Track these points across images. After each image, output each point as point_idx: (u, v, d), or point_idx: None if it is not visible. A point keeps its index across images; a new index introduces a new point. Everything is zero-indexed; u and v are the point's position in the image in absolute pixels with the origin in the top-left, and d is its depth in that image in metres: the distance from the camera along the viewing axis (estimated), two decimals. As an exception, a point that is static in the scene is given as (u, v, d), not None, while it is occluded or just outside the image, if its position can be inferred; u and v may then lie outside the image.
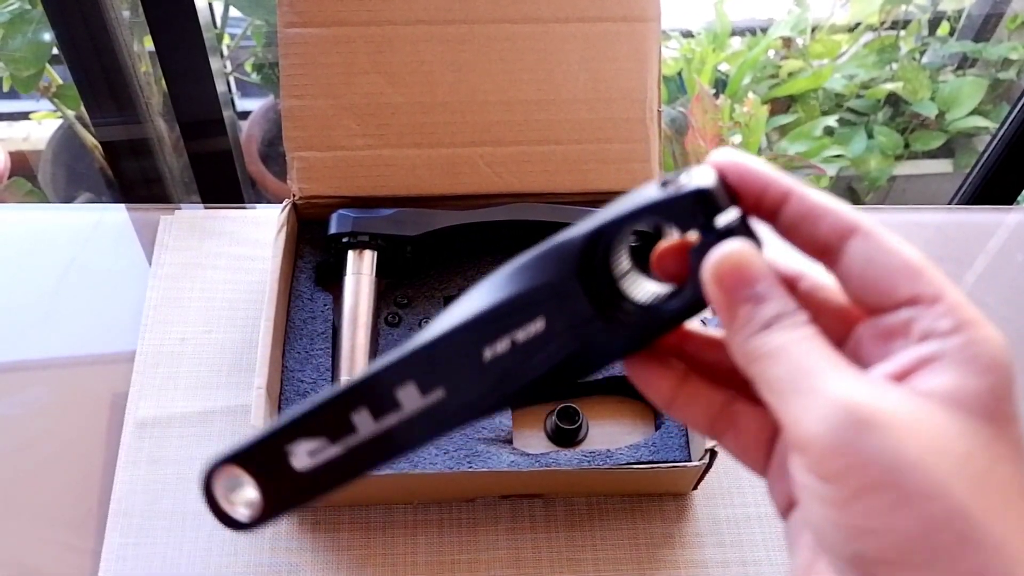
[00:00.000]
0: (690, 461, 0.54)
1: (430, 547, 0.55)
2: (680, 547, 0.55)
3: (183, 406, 0.59)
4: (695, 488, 0.56)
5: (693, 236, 0.25)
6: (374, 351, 0.58)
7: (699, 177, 0.25)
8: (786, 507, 0.26)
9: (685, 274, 0.26)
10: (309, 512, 0.55)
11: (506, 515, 0.56)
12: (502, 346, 0.26)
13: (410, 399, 0.27)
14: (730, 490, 0.58)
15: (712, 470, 0.53)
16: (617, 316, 0.26)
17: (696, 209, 0.25)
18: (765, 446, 0.27)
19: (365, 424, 0.27)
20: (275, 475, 0.28)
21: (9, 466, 0.58)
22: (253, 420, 0.50)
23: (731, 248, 0.24)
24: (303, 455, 0.28)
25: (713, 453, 0.51)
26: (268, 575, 0.53)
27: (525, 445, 0.57)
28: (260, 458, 0.28)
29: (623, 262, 0.27)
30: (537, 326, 0.26)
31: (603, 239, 0.26)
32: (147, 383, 0.60)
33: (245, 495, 0.29)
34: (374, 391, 0.27)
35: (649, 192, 0.26)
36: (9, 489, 0.57)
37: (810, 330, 0.23)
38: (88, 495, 0.56)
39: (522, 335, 0.26)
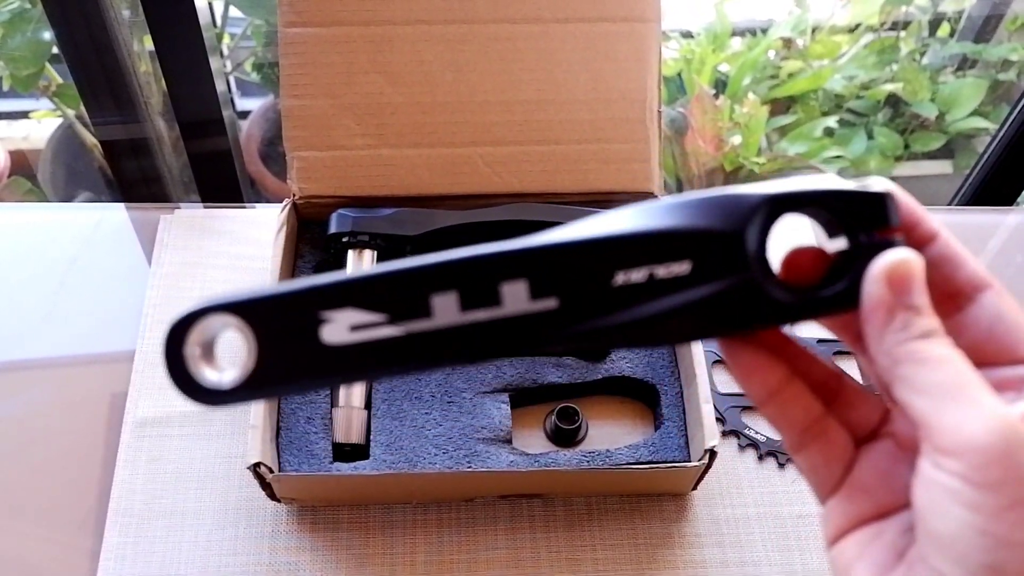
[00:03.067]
0: (689, 461, 0.54)
1: (429, 547, 0.55)
2: (679, 547, 0.55)
3: (182, 406, 0.59)
4: (694, 488, 0.56)
5: (839, 243, 0.26)
6: (373, 351, 0.58)
7: (879, 186, 0.26)
8: (841, 532, 0.27)
9: (815, 278, 0.26)
10: (308, 511, 0.55)
11: (505, 515, 0.56)
12: (638, 275, 0.25)
13: (515, 299, 0.24)
14: (729, 490, 0.58)
15: (711, 470, 0.53)
16: (763, 286, 0.25)
17: (876, 211, 0.25)
18: (845, 466, 0.28)
19: (447, 311, 0.24)
20: (289, 341, 0.23)
21: (9, 465, 0.58)
22: (252, 420, 0.50)
23: (907, 255, 0.25)
24: (342, 327, 0.23)
25: (712, 453, 0.51)
26: (267, 574, 0.53)
27: (524, 445, 0.57)
28: (281, 316, 0.24)
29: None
30: (682, 268, 0.25)
31: (781, 207, 0.25)
32: (146, 383, 0.60)
33: (224, 357, 0.24)
34: (475, 277, 0.24)
35: (836, 180, 0.26)
36: (9, 488, 0.57)
37: (962, 352, 0.24)
38: (87, 494, 0.56)
39: (663, 271, 0.25)
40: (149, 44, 0.86)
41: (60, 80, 1.06)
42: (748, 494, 0.57)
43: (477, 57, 0.59)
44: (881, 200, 0.25)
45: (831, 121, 1.19)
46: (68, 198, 1.16)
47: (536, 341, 0.25)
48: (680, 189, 1.18)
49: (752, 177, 1.12)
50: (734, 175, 1.13)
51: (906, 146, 1.24)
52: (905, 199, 0.26)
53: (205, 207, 0.72)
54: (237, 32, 1.15)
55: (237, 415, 0.59)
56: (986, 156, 0.96)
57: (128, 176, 0.95)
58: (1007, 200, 0.97)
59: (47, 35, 0.95)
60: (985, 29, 1.24)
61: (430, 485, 0.54)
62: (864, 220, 0.25)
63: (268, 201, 1.10)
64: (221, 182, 0.92)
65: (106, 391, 0.61)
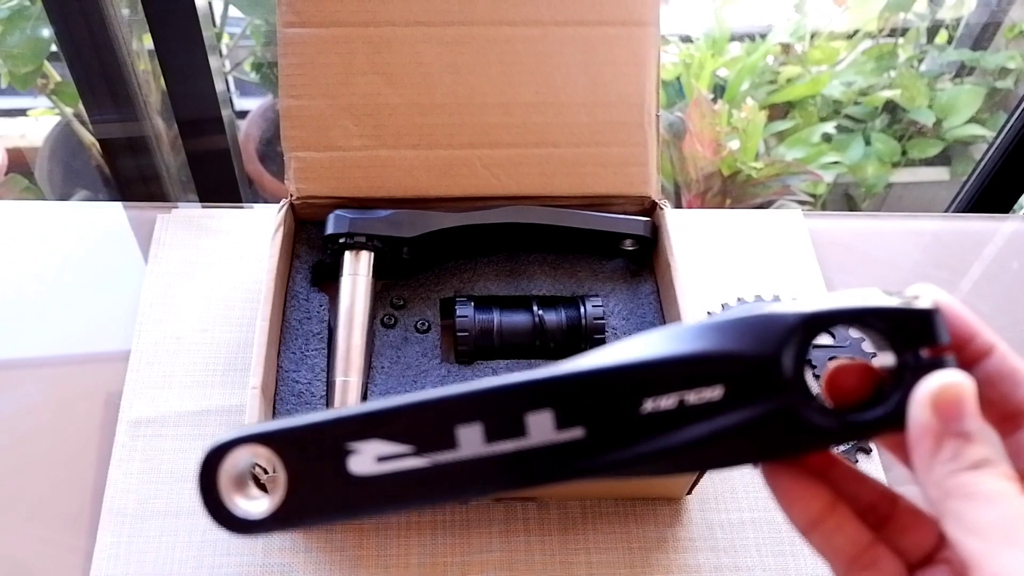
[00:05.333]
0: (684, 465, 0.54)
1: (423, 549, 0.55)
2: (674, 551, 0.55)
3: (177, 405, 0.59)
4: (689, 493, 0.56)
5: (887, 359, 0.24)
6: (370, 352, 0.58)
7: (927, 300, 0.24)
8: None
9: (860, 395, 0.25)
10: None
11: (499, 518, 0.56)
12: (667, 402, 0.24)
13: (540, 430, 0.24)
14: (724, 495, 0.58)
15: (706, 475, 0.53)
16: (800, 410, 0.24)
17: (923, 330, 0.24)
18: None
19: (472, 442, 0.24)
20: (317, 473, 0.24)
21: (2, 464, 0.58)
22: (247, 420, 0.50)
23: (955, 378, 0.23)
24: (369, 459, 0.23)
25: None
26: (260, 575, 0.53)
27: (520, 448, 0.57)
28: (308, 447, 0.24)
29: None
30: (714, 393, 0.24)
31: (819, 326, 0.24)
32: (142, 382, 0.60)
33: (257, 489, 0.24)
34: (499, 408, 0.24)
35: (878, 296, 0.24)
36: (2, 487, 0.57)
37: (1019, 485, 0.22)
38: (81, 494, 0.56)
39: (693, 397, 0.24)
40: (148, 43, 0.86)
41: (58, 78, 1.06)
42: (743, 499, 0.58)
43: (476, 59, 0.59)
44: (927, 317, 0.24)
45: (829, 127, 1.19)
46: (65, 196, 1.16)
47: (562, 472, 0.24)
48: (678, 193, 1.18)
49: (750, 182, 1.12)
50: (732, 179, 1.13)
51: (903, 152, 1.24)
52: (957, 312, 0.24)
53: (203, 206, 0.72)
54: (236, 32, 1.15)
55: (232, 416, 0.59)
56: (983, 163, 0.97)
57: (126, 175, 0.95)
58: (1004, 207, 0.98)
59: (46, 32, 0.95)
60: (983, 36, 1.25)
61: (425, 487, 0.54)
62: (910, 338, 0.24)
63: (266, 201, 1.10)
64: (219, 181, 0.92)
65: (101, 390, 0.60)
